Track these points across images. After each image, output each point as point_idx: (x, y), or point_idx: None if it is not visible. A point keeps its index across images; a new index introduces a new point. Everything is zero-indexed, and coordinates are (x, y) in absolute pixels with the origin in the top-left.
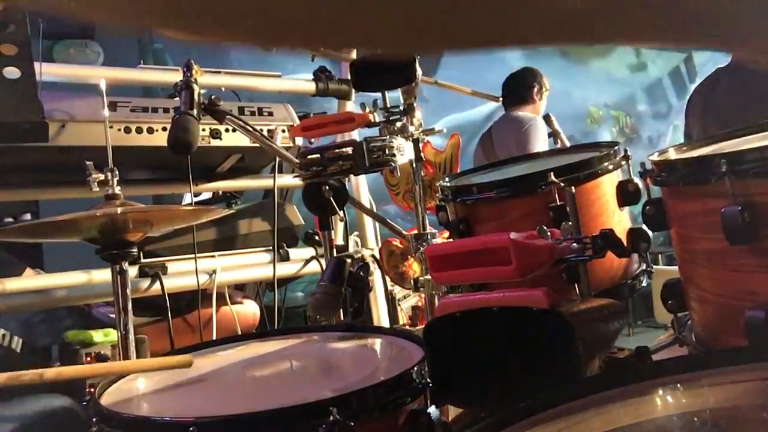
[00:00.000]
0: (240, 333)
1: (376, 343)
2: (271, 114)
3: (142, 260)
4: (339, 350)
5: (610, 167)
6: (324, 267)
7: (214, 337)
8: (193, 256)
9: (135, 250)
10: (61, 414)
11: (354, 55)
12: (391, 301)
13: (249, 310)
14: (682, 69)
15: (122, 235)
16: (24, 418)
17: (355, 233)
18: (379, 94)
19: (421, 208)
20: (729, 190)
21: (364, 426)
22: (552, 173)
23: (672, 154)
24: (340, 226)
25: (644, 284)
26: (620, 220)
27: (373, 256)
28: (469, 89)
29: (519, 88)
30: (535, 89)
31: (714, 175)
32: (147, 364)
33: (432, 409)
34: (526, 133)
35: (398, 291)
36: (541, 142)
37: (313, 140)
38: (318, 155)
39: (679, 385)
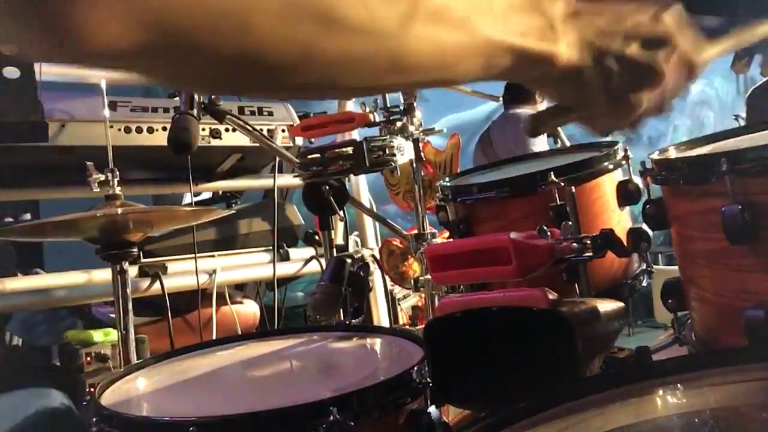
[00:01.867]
0: (240, 333)
1: (376, 343)
2: (271, 114)
3: (142, 260)
4: (339, 350)
5: (611, 167)
6: (324, 267)
7: (214, 337)
8: (193, 256)
9: (135, 250)
10: (60, 413)
11: None
12: (391, 301)
13: (249, 310)
14: None
15: (122, 235)
16: (20, 414)
17: (355, 233)
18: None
19: (421, 208)
20: (729, 190)
21: (364, 426)
22: (552, 173)
23: (672, 153)
24: (340, 226)
25: (644, 284)
26: (620, 220)
27: (373, 256)
28: (469, 89)
29: (523, 87)
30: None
31: (714, 174)
32: None
33: (432, 409)
34: (523, 128)
35: (398, 291)
36: (540, 137)
37: (313, 140)
38: (318, 155)
39: (679, 385)
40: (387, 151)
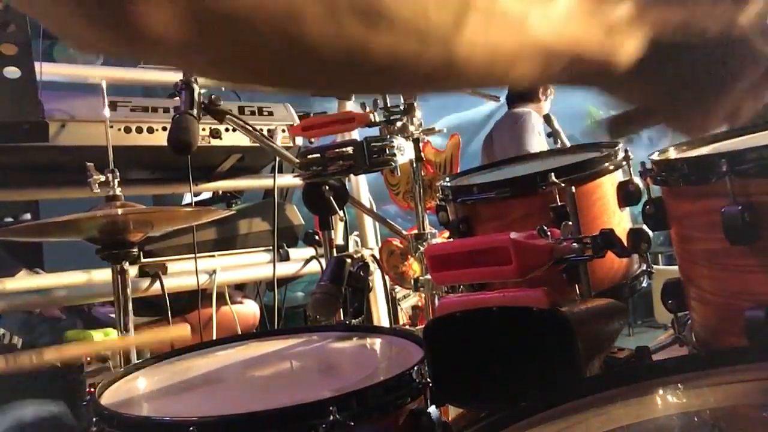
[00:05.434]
0: (240, 333)
1: (376, 343)
2: (271, 113)
3: (142, 260)
4: (339, 350)
5: (611, 167)
6: (324, 267)
7: (214, 337)
8: (193, 256)
9: (135, 250)
10: (52, 420)
11: None
12: (391, 301)
13: (249, 310)
14: None
15: (122, 235)
16: (15, 424)
17: (355, 233)
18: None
19: (421, 208)
20: (729, 190)
21: (364, 426)
22: (552, 173)
23: (672, 154)
24: (340, 226)
25: (644, 284)
26: (621, 221)
27: (373, 256)
28: (470, 89)
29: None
30: (542, 87)
31: (714, 175)
32: (145, 339)
33: (432, 409)
34: (519, 127)
35: (398, 291)
36: (534, 136)
37: (313, 140)
38: (318, 155)
39: (679, 385)
40: (387, 151)
